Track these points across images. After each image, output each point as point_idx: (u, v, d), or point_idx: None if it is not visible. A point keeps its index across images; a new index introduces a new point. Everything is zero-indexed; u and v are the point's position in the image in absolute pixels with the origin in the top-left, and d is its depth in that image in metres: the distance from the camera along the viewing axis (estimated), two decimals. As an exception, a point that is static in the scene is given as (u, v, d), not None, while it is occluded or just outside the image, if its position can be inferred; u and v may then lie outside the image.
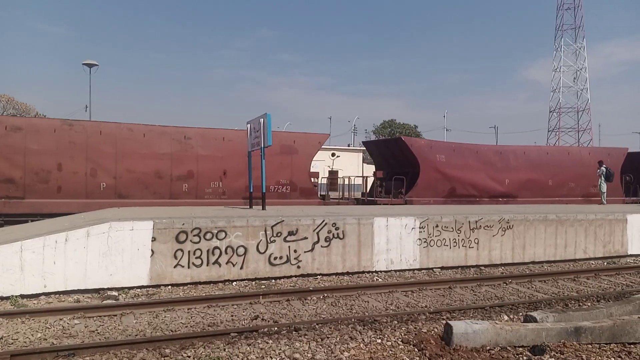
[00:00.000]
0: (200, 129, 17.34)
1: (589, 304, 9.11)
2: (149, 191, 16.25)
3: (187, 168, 16.60)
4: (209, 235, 10.06)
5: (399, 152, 20.37)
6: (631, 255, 14.79)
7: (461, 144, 21.55)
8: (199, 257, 9.99)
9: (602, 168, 21.16)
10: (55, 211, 14.56)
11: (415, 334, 6.64)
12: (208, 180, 16.88)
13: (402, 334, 6.73)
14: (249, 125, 14.27)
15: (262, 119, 12.96)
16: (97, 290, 9.25)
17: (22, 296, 8.66)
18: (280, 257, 10.67)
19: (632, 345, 6.23)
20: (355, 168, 39.26)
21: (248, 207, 14.84)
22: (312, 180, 18.81)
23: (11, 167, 14.75)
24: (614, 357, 5.84)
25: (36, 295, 8.80)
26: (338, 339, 6.57)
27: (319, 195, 19.37)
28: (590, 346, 6.15)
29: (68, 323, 7.44)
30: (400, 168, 20.31)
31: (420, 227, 12.01)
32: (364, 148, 27.31)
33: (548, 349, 5.95)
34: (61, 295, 8.96)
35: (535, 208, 16.83)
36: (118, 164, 15.83)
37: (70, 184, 15.24)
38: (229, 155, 17.11)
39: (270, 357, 5.89)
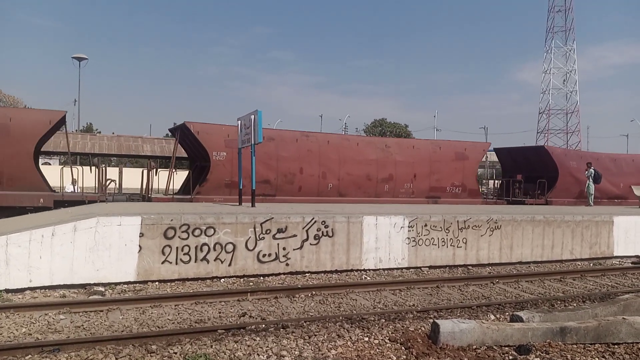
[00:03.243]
0: (397, 139, 21.55)
1: (575, 304, 9.19)
2: (361, 191, 18.80)
3: (388, 172, 19.23)
4: (197, 232, 10.01)
5: (535, 158, 22.77)
6: (617, 257, 14.95)
7: (585, 152, 24.57)
8: (187, 254, 9.94)
9: (591, 170, 21.38)
10: None
11: (403, 333, 6.66)
12: (402, 182, 19.52)
13: (390, 333, 6.75)
14: (239, 121, 14.20)
15: (253, 116, 12.91)
16: (83, 286, 9.17)
17: (7, 290, 8.56)
18: (269, 255, 10.65)
19: (616, 346, 6.30)
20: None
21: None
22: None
23: (268, 170, 17.12)
24: (598, 357, 5.90)
25: (21, 290, 8.71)
26: (325, 336, 6.57)
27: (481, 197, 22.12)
28: (575, 346, 6.21)
29: (53, 318, 7.37)
30: (532, 172, 22.52)
31: (409, 226, 12.04)
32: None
33: (534, 348, 5.99)
34: (47, 290, 8.87)
35: (535, 209, 16.96)
36: (340, 168, 18.42)
37: (307, 185, 17.81)
38: (417, 161, 19.83)
39: (258, 354, 5.87)
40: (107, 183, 17.32)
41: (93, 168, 17.79)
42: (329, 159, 18.19)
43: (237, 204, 14.05)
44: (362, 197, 18.66)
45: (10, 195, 14.32)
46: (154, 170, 17.81)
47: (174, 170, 17.80)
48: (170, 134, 18.11)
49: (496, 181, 27.43)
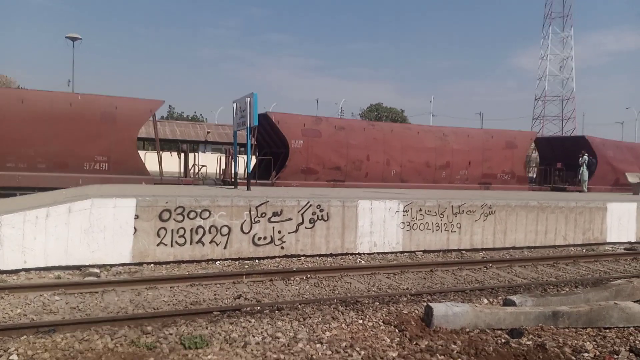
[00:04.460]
0: (454, 128, 22.05)
1: (567, 289, 9.28)
2: (420, 177, 20.10)
3: (445, 159, 20.54)
4: (192, 214, 10.00)
5: (574, 147, 23.50)
6: (610, 243, 15.06)
7: (620, 142, 25.79)
8: (183, 236, 9.94)
9: (585, 157, 21.59)
10: None
11: (396, 315, 6.71)
12: (458, 168, 20.90)
13: (384, 315, 6.80)
14: (235, 104, 14.14)
15: (249, 99, 12.85)
16: (78, 267, 9.17)
17: (2, 271, 8.56)
18: (264, 238, 10.67)
19: (607, 330, 6.37)
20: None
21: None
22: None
23: (338, 157, 18.50)
24: (589, 341, 5.96)
25: (16, 271, 8.70)
26: (320, 318, 6.61)
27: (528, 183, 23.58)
28: (567, 330, 6.28)
29: (48, 299, 7.38)
30: (570, 160, 23.46)
31: (404, 211, 12.08)
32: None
33: (526, 332, 6.06)
34: (42, 272, 8.87)
35: (519, 194, 17.04)
36: (403, 155, 19.71)
37: (373, 171, 19.12)
38: (472, 149, 21.12)
39: (253, 335, 5.91)
40: (199, 168, 18.67)
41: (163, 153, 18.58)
42: (392, 147, 19.42)
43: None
44: (422, 183, 19.86)
45: (115, 179, 15.44)
46: (232, 156, 18.95)
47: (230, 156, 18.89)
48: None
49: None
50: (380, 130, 19.68)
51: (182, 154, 18.61)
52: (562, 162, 24.07)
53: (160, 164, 16.92)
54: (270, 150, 19.19)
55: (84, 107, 15.43)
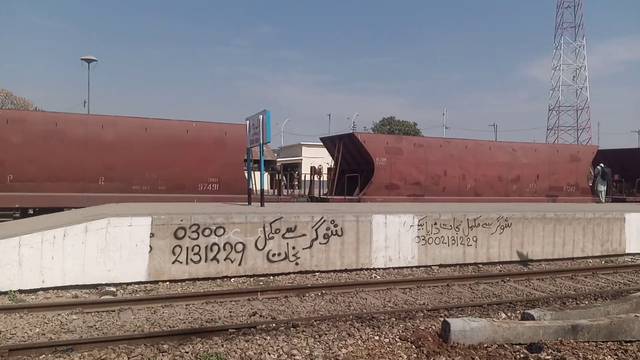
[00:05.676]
0: (521, 143, 23.06)
1: (587, 302, 9.12)
2: (493, 190, 21.10)
3: (515, 173, 21.58)
4: (207, 232, 10.05)
5: (629, 159, 25.25)
6: (629, 254, 14.81)
7: None
8: (197, 254, 9.99)
9: (598, 167, 21.45)
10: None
11: (413, 331, 6.65)
12: (527, 182, 21.87)
13: (400, 331, 6.74)
14: (248, 121, 14.24)
15: (262, 116, 12.93)
16: (95, 286, 9.25)
17: (20, 291, 8.66)
18: (279, 254, 10.68)
19: (628, 344, 6.25)
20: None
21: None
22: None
23: (418, 173, 19.59)
24: (610, 355, 5.85)
25: (34, 291, 8.80)
26: (336, 335, 6.58)
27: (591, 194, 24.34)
28: (587, 344, 6.17)
29: (66, 318, 7.44)
30: (626, 172, 24.98)
31: (418, 225, 12.01)
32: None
33: (545, 346, 5.96)
34: (59, 291, 8.96)
35: (543, 206, 16.87)
36: (477, 170, 20.73)
37: (450, 186, 20.15)
38: (539, 163, 22.14)
39: (268, 353, 5.89)
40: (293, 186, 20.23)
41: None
42: (467, 162, 20.49)
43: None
44: (495, 197, 20.97)
45: (225, 198, 16.71)
46: (319, 174, 20.50)
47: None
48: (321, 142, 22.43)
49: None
50: (455, 147, 20.62)
51: (277, 174, 20.21)
52: (619, 174, 24.65)
53: (257, 183, 17.71)
54: (349, 168, 20.10)
55: (198, 133, 16.71)
